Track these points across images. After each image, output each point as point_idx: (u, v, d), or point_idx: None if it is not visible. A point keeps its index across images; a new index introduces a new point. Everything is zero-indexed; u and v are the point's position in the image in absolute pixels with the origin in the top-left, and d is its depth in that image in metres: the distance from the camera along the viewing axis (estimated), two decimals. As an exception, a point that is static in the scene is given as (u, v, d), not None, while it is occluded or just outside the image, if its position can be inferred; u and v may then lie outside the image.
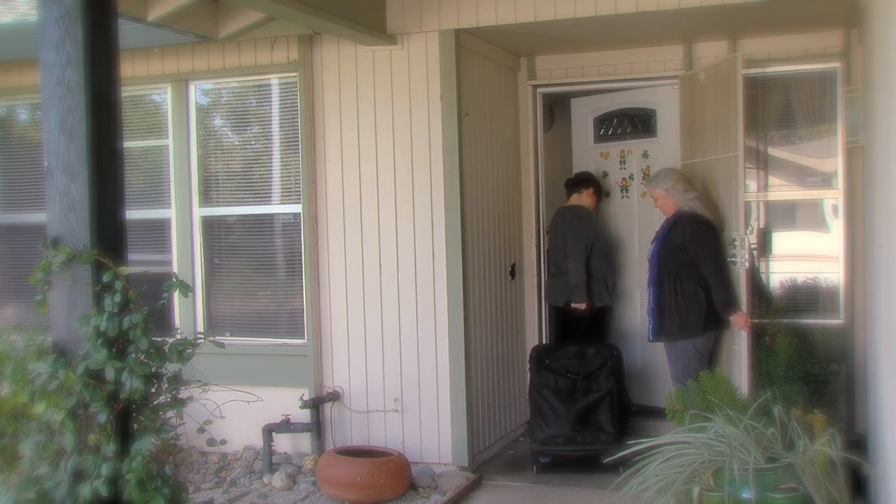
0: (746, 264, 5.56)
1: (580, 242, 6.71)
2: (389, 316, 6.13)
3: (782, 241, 6.68)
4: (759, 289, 6.41)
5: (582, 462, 5.91)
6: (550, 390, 6.09)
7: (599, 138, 7.51)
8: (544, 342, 7.01)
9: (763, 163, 6.63)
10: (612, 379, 6.12)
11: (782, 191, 6.71)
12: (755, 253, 6.45)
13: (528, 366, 6.44)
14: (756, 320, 5.73)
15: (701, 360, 5.67)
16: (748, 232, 5.98)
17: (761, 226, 6.62)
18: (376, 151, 6.13)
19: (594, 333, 6.81)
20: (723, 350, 5.83)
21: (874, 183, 4.58)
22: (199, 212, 6.65)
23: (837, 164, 6.36)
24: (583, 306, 6.71)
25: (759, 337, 5.70)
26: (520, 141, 7.05)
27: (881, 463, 4.16)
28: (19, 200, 7.31)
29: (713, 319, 5.64)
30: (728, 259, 5.68)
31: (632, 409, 6.87)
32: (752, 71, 6.42)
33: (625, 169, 7.29)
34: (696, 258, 5.62)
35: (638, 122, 7.27)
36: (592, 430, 5.95)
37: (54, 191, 3.20)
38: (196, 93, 6.67)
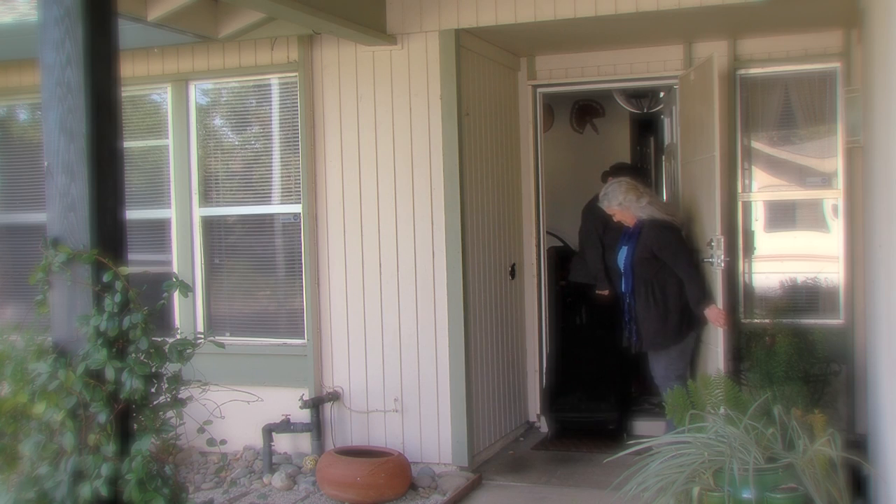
0: (723, 264, 5.56)
1: (590, 234, 7.08)
2: (389, 316, 6.13)
3: (782, 240, 6.67)
4: (751, 291, 6.42)
5: (588, 428, 6.77)
6: (563, 367, 6.99)
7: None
8: (561, 325, 7.41)
9: (763, 163, 6.63)
10: (616, 359, 6.80)
11: (782, 190, 6.70)
12: (741, 254, 6.44)
13: (546, 346, 7.18)
14: (757, 321, 5.72)
15: (682, 358, 5.74)
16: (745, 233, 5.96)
17: (761, 226, 6.60)
18: (376, 151, 6.13)
19: (613, 318, 6.94)
20: (700, 350, 5.84)
21: (874, 183, 4.58)
22: (199, 212, 6.65)
23: (837, 164, 6.35)
24: (606, 293, 7.00)
25: (758, 337, 5.70)
26: (520, 141, 7.05)
27: (881, 463, 4.16)
28: (19, 200, 7.31)
29: (691, 321, 5.67)
30: (705, 259, 5.69)
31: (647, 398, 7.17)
32: (752, 71, 6.43)
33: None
34: (666, 262, 5.65)
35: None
36: (593, 401, 6.78)
37: (54, 191, 3.20)
38: (196, 93, 6.67)
